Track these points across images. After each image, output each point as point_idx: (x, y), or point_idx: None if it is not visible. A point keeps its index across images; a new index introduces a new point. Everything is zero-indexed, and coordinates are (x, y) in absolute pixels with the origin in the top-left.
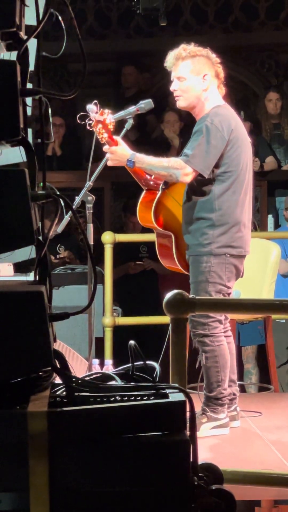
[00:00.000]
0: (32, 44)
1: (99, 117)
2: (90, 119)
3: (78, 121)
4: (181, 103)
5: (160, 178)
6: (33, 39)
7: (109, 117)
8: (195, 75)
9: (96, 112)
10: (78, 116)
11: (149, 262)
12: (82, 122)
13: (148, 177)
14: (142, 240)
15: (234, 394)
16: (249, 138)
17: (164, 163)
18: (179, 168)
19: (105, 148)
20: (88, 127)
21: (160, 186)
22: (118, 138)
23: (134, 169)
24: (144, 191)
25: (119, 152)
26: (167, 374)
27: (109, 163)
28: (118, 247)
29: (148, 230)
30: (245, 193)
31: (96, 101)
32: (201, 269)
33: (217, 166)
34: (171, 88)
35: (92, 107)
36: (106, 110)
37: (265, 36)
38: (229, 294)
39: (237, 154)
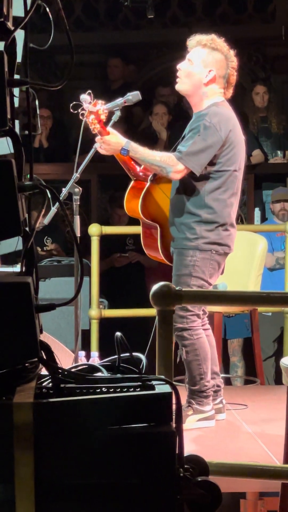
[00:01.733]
0: (19, 36)
1: (92, 108)
2: (83, 109)
3: (71, 110)
4: (178, 86)
5: (150, 170)
6: (21, 30)
7: (102, 107)
8: (202, 66)
9: (90, 103)
10: (71, 105)
11: (134, 255)
12: (75, 111)
13: (138, 168)
14: (129, 232)
15: (218, 386)
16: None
17: (157, 157)
18: (171, 165)
19: (98, 138)
20: (80, 117)
21: (149, 178)
22: (110, 128)
23: (125, 159)
24: (133, 181)
25: (112, 141)
26: (153, 366)
27: (102, 152)
28: (104, 240)
29: (135, 223)
30: (236, 194)
31: (90, 91)
32: (186, 262)
33: (211, 164)
34: (178, 65)
35: (85, 97)
36: (100, 101)
37: (252, 29)
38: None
39: (232, 155)
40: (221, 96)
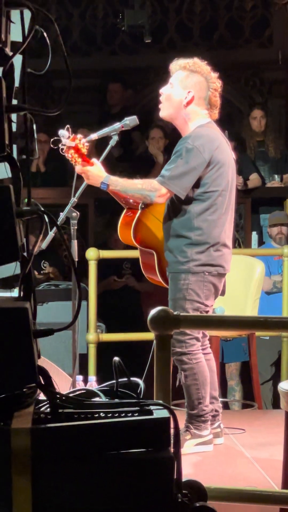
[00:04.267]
0: (17, 61)
1: (70, 142)
2: (63, 144)
3: (52, 146)
4: (161, 113)
5: (135, 200)
6: (19, 56)
7: (82, 141)
8: (181, 88)
9: (68, 137)
10: (51, 140)
11: (132, 280)
12: (55, 147)
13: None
14: (126, 256)
15: (216, 411)
16: (234, 155)
17: (138, 186)
18: (153, 190)
19: (78, 169)
20: (60, 152)
21: (140, 205)
22: (94, 160)
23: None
24: (125, 210)
25: (94, 173)
26: (151, 390)
27: (86, 181)
28: (101, 263)
29: (132, 247)
30: (226, 213)
31: (68, 126)
32: (179, 286)
33: (197, 186)
34: (160, 90)
35: (63, 133)
36: (79, 135)
37: (249, 54)
38: (207, 312)
39: (219, 175)
40: (207, 117)
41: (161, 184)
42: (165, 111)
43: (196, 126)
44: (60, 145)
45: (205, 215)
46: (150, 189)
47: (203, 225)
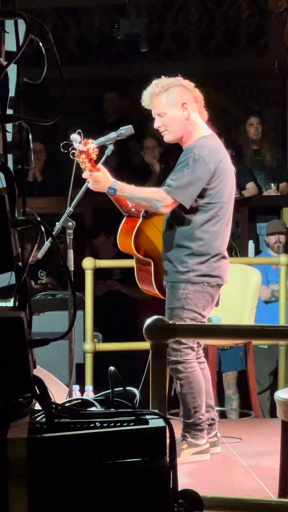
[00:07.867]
0: (12, 70)
1: (83, 147)
2: (73, 148)
3: (62, 149)
4: (167, 137)
5: (139, 207)
6: (14, 65)
7: (92, 146)
8: (173, 107)
9: (80, 142)
10: (61, 144)
11: (114, 283)
12: (65, 151)
13: (130, 204)
14: (122, 265)
15: (212, 419)
16: (233, 167)
17: (146, 193)
18: (160, 199)
19: (85, 174)
20: (71, 156)
21: (141, 214)
22: (100, 165)
23: (115, 196)
24: (125, 218)
25: (101, 179)
26: (148, 399)
27: (91, 187)
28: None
29: (124, 255)
30: (227, 225)
31: (79, 130)
32: (178, 295)
33: (200, 196)
34: (155, 125)
35: (76, 137)
36: (90, 140)
37: (246, 62)
38: (203, 322)
39: (222, 187)
40: (206, 125)
41: (167, 193)
42: (171, 135)
43: (200, 136)
44: (70, 149)
45: (207, 226)
46: (157, 198)
47: (205, 236)
